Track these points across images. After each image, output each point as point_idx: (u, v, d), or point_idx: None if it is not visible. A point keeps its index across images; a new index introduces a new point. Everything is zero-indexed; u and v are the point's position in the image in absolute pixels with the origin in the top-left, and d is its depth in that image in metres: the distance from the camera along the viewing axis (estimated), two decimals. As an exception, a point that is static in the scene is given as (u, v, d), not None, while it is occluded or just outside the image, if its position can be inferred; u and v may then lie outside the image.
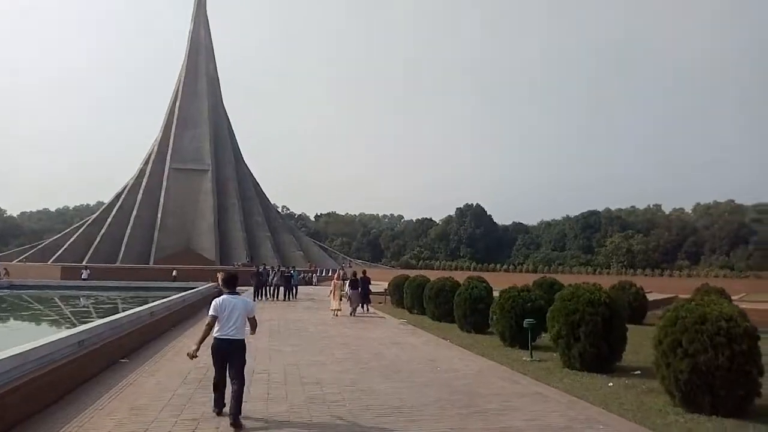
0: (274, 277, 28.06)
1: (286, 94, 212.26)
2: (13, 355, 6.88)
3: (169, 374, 9.21)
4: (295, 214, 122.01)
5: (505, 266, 76.45)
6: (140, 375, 9.33)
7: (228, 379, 6.79)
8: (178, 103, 72.67)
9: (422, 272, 36.29)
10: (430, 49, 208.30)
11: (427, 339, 14.12)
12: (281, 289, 27.82)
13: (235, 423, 6.42)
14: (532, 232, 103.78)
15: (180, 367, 9.68)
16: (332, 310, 19.84)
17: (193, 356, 6.94)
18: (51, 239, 68.99)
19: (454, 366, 10.35)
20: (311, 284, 44.17)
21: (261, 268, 29.75)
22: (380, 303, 27.03)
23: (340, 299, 20.25)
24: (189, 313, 20.64)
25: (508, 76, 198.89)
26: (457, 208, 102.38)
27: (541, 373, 9.86)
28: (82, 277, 35.73)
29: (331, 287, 21.08)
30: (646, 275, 63.58)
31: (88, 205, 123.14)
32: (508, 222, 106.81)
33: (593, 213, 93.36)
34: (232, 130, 78.41)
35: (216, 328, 6.81)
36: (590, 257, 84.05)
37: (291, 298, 27.70)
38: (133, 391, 8.17)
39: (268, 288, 27.88)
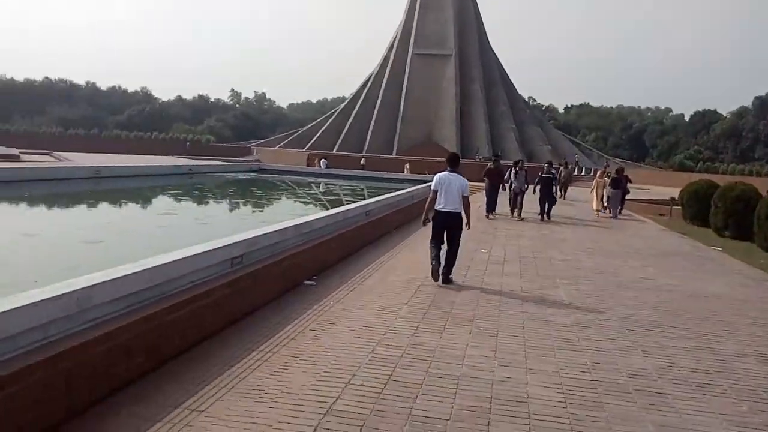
0: (512, 179, 17.15)
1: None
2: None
3: (351, 335, 5.25)
4: (542, 106, 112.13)
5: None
6: (304, 329, 5.55)
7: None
8: (422, -16, 68.14)
9: (707, 176, 27.67)
10: None
11: None
12: (521, 198, 16.85)
13: (446, 280, 7.56)
14: None
15: (367, 321, 5.69)
16: (594, 210, 19.04)
17: (424, 223, 8.01)
18: (305, 128, 73.61)
19: None
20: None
21: (495, 164, 17.71)
22: (662, 215, 20.39)
23: (602, 199, 19.01)
24: (419, 210, 17.16)
25: None
26: (755, 98, 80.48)
27: None
28: (321, 167, 35.64)
29: (593, 186, 19.95)
30: None
31: (344, 96, 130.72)
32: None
33: None
34: (479, 12, 71.72)
35: (437, 201, 7.63)
36: None
37: (546, 217, 16.37)
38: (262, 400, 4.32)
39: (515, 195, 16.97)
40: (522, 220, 16.22)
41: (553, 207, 16.78)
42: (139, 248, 8.47)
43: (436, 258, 7.61)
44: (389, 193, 15.76)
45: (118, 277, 4.48)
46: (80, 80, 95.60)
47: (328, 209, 11.36)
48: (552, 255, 10.65)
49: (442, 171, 7.85)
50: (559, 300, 7.16)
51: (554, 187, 17.74)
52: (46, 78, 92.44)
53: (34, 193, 15.34)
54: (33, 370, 3.41)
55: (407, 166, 38.48)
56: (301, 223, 8.37)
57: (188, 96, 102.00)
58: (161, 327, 4.68)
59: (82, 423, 3.54)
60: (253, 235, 6.88)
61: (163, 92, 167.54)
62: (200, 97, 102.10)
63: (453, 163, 7.84)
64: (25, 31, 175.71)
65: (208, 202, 18.15)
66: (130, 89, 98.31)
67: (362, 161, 41.71)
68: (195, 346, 5.04)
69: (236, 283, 5.96)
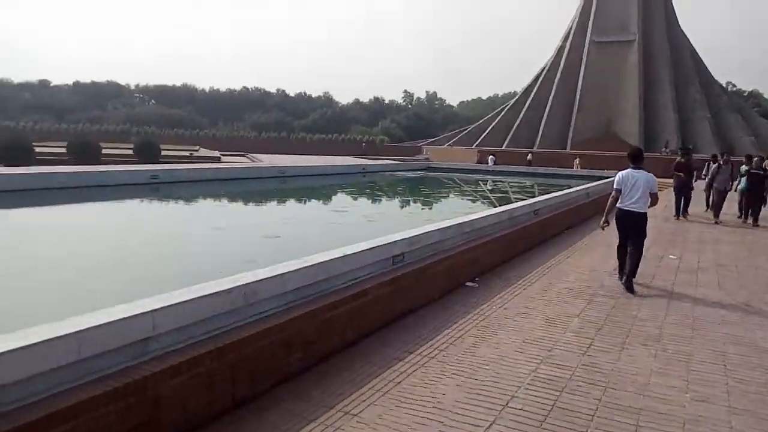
0: (714, 174, 14.69)
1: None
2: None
3: (513, 348, 4.84)
4: (744, 92, 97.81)
5: None
6: (463, 334, 5.24)
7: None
8: (602, -34, 63.40)
9: None
10: None
11: None
12: (723, 197, 14.38)
13: (628, 286, 6.98)
14: None
15: (531, 333, 5.19)
16: None
17: (602, 226, 7.55)
18: (474, 125, 72.83)
19: None
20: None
21: (686, 158, 14.72)
22: None
23: None
24: (593, 210, 15.88)
25: None
26: None
27: None
28: (489, 163, 34.90)
29: None
30: None
31: (515, 92, 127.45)
32: None
33: None
34: (667, -10, 64.74)
35: (619, 200, 7.22)
36: None
37: (752, 221, 13.87)
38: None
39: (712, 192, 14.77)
40: (719, 223, 14.07)
41: (762, 209, 14.25)
42: (311, 244, 8.86)
43: (621, 270, 7.31)
44: (561, 190, 14.77)
45: (282, 273, 4.61)
46: (272, 88, 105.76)
47: (495, 207, 10.93)
48: (760, 264, 9.01)
49: (624, 168, 7.38)
50: (771, 319, 5.93)
51: (765, 185, 14.49)
52: (244, 87, 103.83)
53: (228, 190, 17.10)
54: (203, 360, 3.60)
55: (577, 161, 36.12)
56: (463, 222, 8.10)
57: (365, 99, 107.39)
58: (322, 323, 4.73)
59: (243, 415, 3.66)
60: (414, 234, 6.78)
61: (343, 96, 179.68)
62: (375, 99, 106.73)
63: (636, 159, 7.28)
64: (219, 54, 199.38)
65: (377, 200, 18.70)
66: (314, 95, 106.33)
67: (528, 156, 39.79)
68: (353, 344, 5.04)
69: (397, 282, 5.90)
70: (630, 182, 7.12)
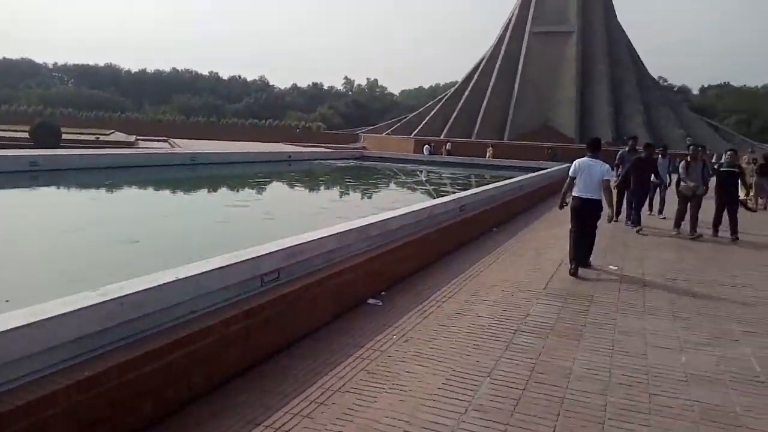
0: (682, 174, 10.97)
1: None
2: None
3: None
4: (674, 86, 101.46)
5: None
6: (343, 385, 3.76)
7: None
8: (542, -44, 63.20)
9: None
10: None
11: None
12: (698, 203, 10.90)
13: (582, 264, 7.40)
14: None
15: (418, 411, 3.72)
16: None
17: (561, 207, 7.81)
18: (413, 114, 71.66)
19: None
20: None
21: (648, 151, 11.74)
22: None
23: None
24: (525, 205, 14.85)
25: None
26: None
27: None
28: (425, 153, 33.78)
29: None
30: None
31: (456, 81, 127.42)
32: None
33: None
34: (605, -17, 65.30)
35: (574, 189, 7.43)
36: None
37: (732, 233, 10.55)
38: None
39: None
40: (699, 236, 10.48)
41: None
42: (175, 252, 7.13)
43: (575, 257, 7.34)
44: (494, 182, 13.63)
45: (50, 317, 3.01)
46: (204, 71, 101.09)
47: (420, 202, 9.53)
48: (716, 278, 7.40)
49: (582, 157, 7.59)
50: (749, 372, 4.26)
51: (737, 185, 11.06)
52: (174, 69, 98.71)
53: (122, 180, 14.88)
54: None
55: (490, 150, 35.62)
56: (369, 224, 6.64)
57: (303, 84, 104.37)
58: (120, 388, 3.15)
59: None
60: (297, 243, 5.27)
61: (280, 81, 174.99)
62: (314, 85, 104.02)
63: (594, 149, 7.56)
64: (141, 29, 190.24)
65: (290, 193, 16.90)
66: (249, 78, 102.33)
67: (447, 146, 38.65)
68: (175, 413, 3.49)
69: (257, 312, 4.37)
70: (585, 170, 7.32)
